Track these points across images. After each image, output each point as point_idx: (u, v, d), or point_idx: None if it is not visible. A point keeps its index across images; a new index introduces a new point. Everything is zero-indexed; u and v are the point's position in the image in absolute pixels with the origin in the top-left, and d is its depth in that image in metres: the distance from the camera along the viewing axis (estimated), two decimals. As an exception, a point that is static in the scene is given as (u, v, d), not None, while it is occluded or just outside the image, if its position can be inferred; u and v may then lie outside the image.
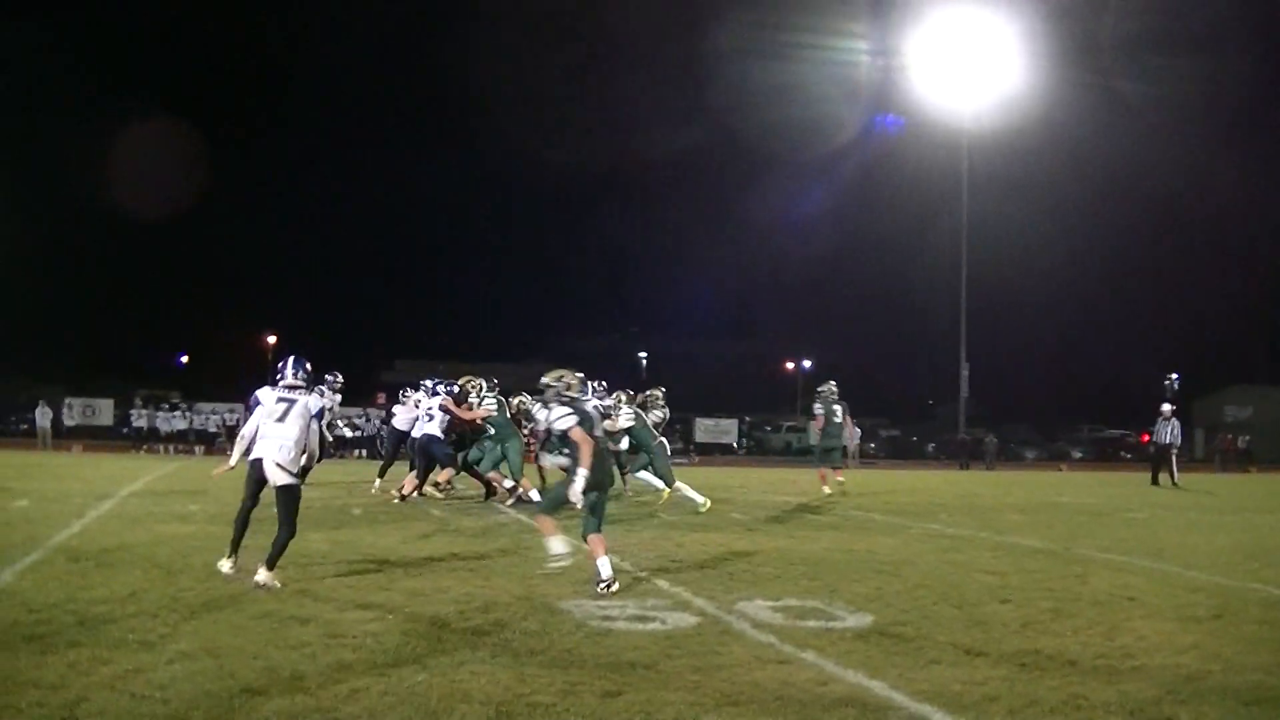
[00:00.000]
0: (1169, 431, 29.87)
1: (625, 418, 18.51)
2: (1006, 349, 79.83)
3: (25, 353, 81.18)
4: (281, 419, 10.29)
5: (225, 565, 10.05)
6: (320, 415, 11.51)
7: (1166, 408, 30.20)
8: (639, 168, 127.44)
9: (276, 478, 10.08)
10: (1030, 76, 54.54)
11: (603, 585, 9.42)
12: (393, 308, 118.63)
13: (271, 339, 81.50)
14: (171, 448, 47.10)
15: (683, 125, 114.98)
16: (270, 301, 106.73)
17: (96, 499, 17.21)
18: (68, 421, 53.66)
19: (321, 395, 18.74)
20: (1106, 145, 75.51)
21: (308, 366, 11.16)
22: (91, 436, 51.54)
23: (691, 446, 62.50)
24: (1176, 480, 29.15)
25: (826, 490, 21.83)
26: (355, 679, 6.04)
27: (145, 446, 47.09)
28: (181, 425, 49.45)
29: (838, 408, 22.45)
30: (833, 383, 22.76)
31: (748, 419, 72.04)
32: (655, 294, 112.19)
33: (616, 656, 6.78)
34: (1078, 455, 69.01)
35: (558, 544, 10.04)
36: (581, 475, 9.72)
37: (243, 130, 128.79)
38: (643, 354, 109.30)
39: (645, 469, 18.88)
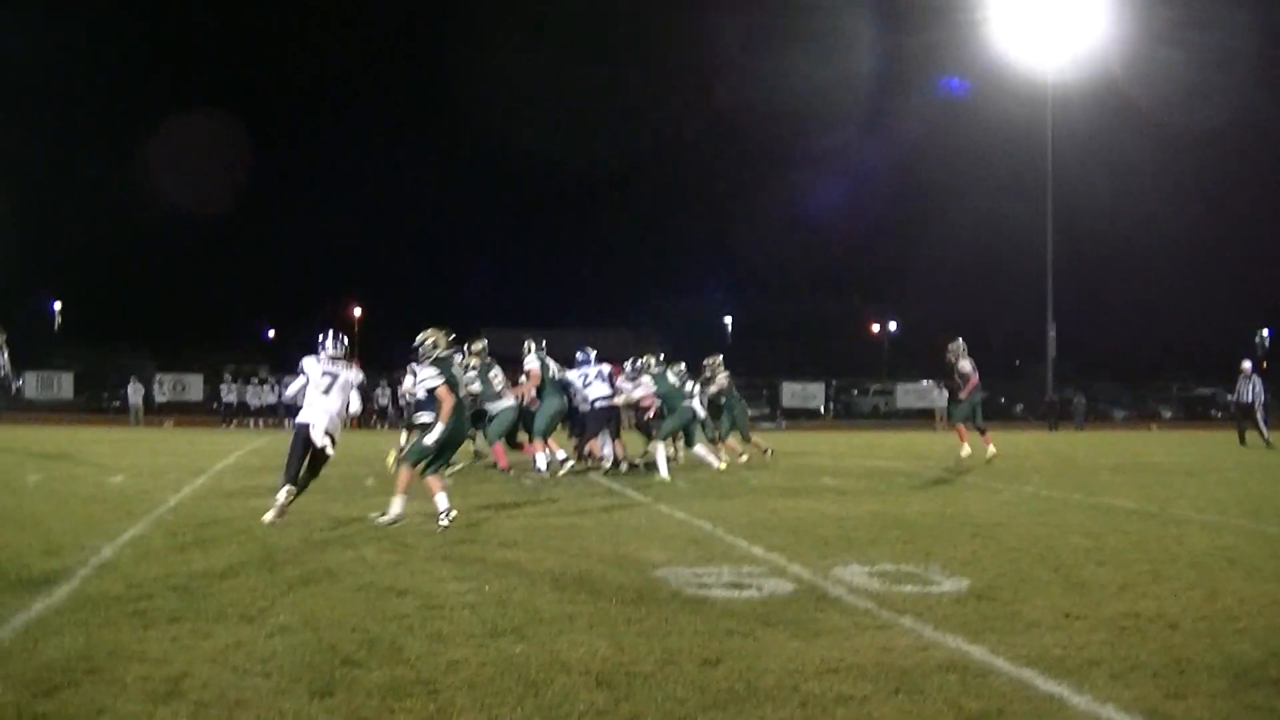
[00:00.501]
0: (1250, 389, 29.36)
1: (643, 387, 18.39)
2: (1094, 308, 79.05)
3: (116, 330, 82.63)
4: (327, 391, 11.32)
5: (269, 515, 11.35)
6: (361, 387, 12.50)
7: (1246, 365, 29.60)
8: (721, 131, 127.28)
9: (323, 443, 11.70)
10: (1113, 29, 53.64)
11: (442, 516, 11.05)
12: (479, 276, 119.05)
13: (357, 311, 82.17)
14: (261, 421, 47.67)
15: (766, 87, 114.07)
16: (355, 272, 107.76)
17: (190, 474, 17.52)
18: (159, 397, 54.58)
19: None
20: (1193, 98, 73.85)
21: (345, 340, 12.66)
22: (182, 412, 52.35)
23: (779, 411, 62.38)
24: (1268, 439, 28.55)
25: (968, 452, 21.17)
26: (454, 650, 6.08)
27: (235, 420, 47.79)
28: (271, 399, 49.85)
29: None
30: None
31: (834, 382, 71.73)
32: (740, 258, 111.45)
33: (714, 624, 6.78)
34: (1167, 414, 68.20)
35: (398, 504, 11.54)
36: (439, 428, 11.48)
37: (327, 105, 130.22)
38: (727, 318, 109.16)
39: (700, 442, 18.99)
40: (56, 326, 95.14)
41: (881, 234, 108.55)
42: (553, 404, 18.27)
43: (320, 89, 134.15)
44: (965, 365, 20.95)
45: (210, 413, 52.47)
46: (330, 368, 11.99)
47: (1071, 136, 59.94)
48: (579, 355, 18.81)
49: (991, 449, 20.74)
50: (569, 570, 8.71)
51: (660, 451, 17.71)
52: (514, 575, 8.46)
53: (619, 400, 18.60)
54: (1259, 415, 29.26)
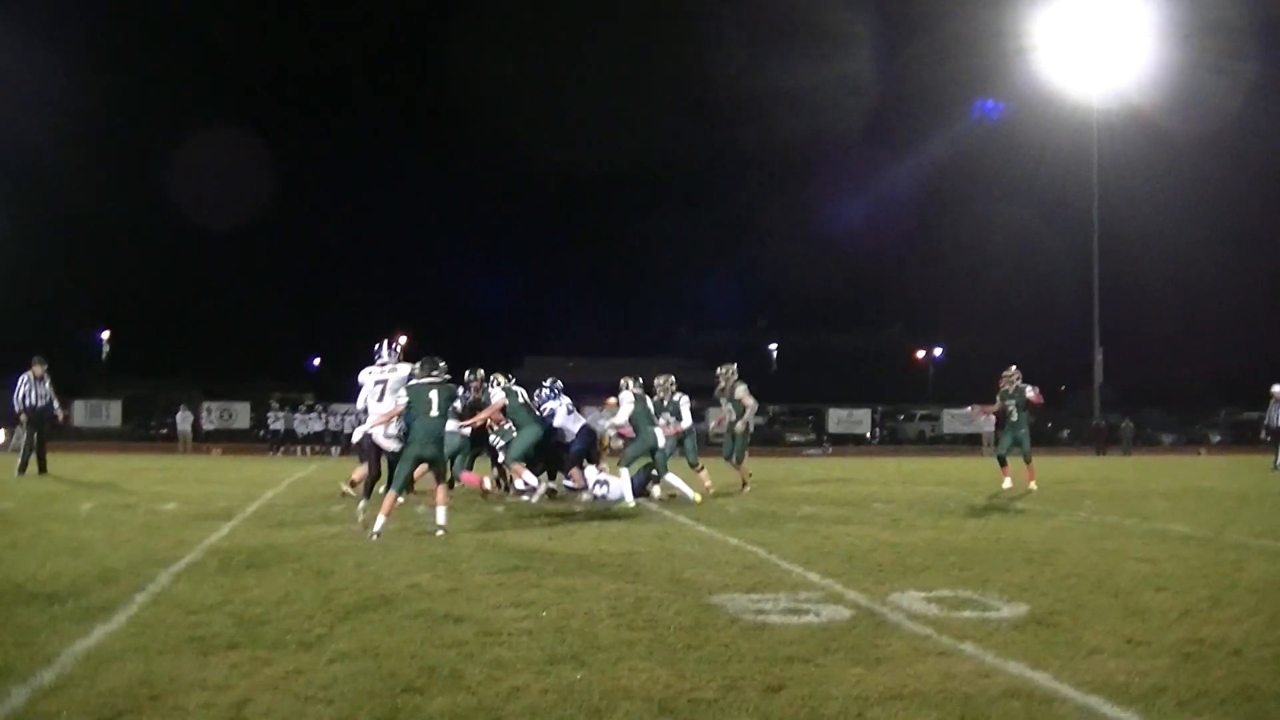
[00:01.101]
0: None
1: (622, 412, 17.95)
2: (1140, 333, 78.41)
3: (163, 359, 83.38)
4: (380, 399, 11.97)
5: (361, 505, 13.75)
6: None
7: (1277, 389, 29.28)
8: (767, 159, 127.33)
9: (388, 445, 13.29)
10: (1159, 55, 53.48)
11: (374, 535, 12.17)
12: (523, 305, 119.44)
13: (403, 339, 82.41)
14: (308, 449, 47.93)
15: (811, 114, 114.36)
16: (402, 301, 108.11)
17: (241, 502, 17.59)
18: (206, 425, 55.07)
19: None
20: (1237, 126, 73.38)
21: (397, 347, 14.30)
22: (229, 439, 52.76)
23: (825, 437, 62.30)
24: None
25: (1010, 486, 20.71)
26: (514, 677, 6.06)
27: (282, 448, 48.04)
28: (317, 426, 50.15)
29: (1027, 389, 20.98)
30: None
31: (880, 408, 71.57)
32: (784, 286, 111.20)
33: (774, 651, 6.74)
34: (1216, 439, 67.59)
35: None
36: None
37: (370, 131, 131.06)
38: (773, 346, 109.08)
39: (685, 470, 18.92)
40: (104, 355, 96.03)
41: (925, 260, 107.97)
42: (530, 432, 18.03)
43: (362, 116, 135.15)
44: (1030, 392, 20.76)
45: (257, 440, 52.78)
46: (382, 375, 12.82)
47: (1116, 162, 59.63)
48: (545, 391, 18.68)
49: (1007, 481, 20.78)
50: (625, 596, 8.68)
51: (675, 481, 17.80)
52: (570, 602, 8.44)
53: (606, 432, 18.54)
54: None
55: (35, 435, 23.74)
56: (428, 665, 6.30)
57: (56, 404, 24.29)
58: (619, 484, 17.30)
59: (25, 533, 12.75)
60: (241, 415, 61.20)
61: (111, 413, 65.59)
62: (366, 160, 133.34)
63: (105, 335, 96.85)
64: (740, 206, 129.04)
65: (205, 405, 57.91)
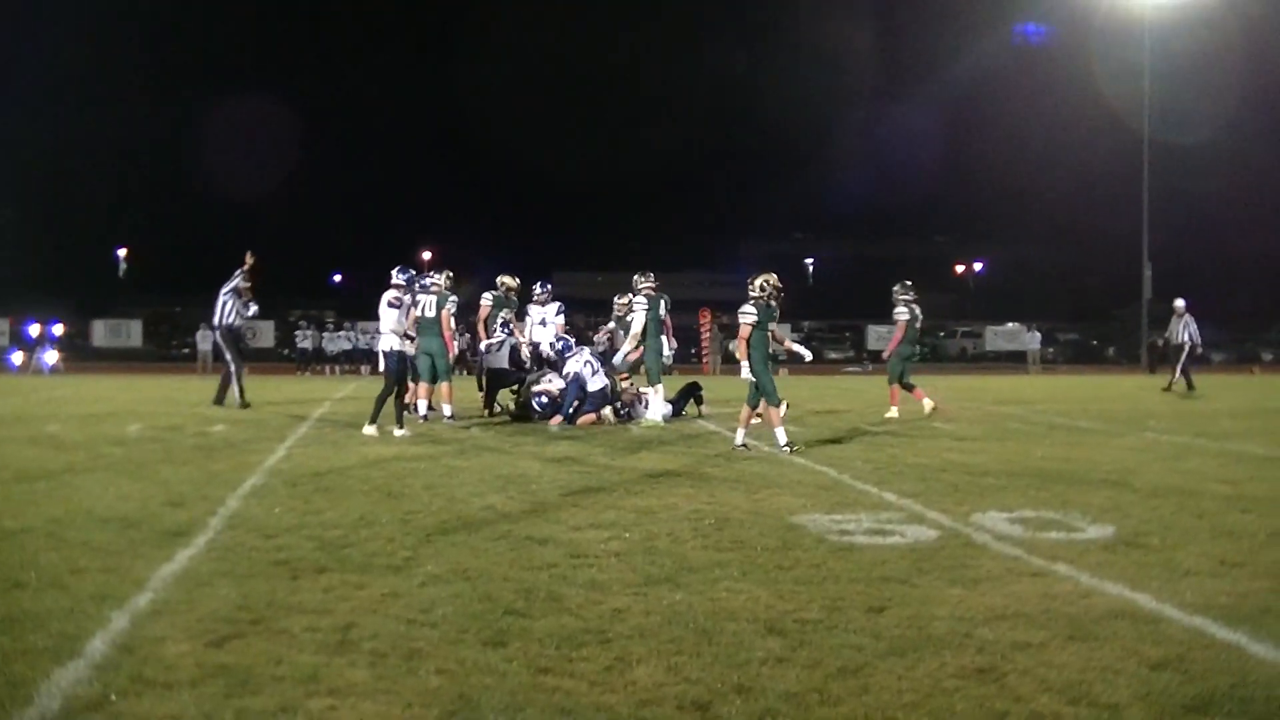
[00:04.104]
0: (1181, 330, 28.10)
1: (636, 321, 17.49)
2: (1190, 248, 77.35)
3: (183, 277, 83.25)
4: (403, 318, 15.23)
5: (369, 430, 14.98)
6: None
7: (1179, 304, 28.28)
8: (805, 69, 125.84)
9: (403, 347, 15.26)
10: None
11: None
12: (551, 219, 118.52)
13: (427, 254, 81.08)
14: (338, 369, 47.71)
15: (853, 25, 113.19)
16: (425, 216, 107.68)
17: (291, 422, 17.73)
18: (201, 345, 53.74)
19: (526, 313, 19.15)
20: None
21: (411, 272, 15.86)
22: (254, 359, 52.70)
23: (865, 355, 62.05)
24: (1177, 381, 27.76)
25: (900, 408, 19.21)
26: (613, 599, 6.01)
27: (311, 368, 47.59)
28: (346, 346, 49.79)
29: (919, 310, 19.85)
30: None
31: (920, 325, 71.17)
32: (821, 198, 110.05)
33: (868, 572, 6.67)
34: (1268, 357, 66.98)
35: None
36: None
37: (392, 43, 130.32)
38: (809, 259, 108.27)
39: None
40: (122, 273, 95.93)
41: (967, 174, 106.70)
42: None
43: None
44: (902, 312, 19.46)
45: (282, 359, 52.47)
46: (394, 295, 15.18)
47: (1170, 69, 58.55)
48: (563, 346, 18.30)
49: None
50: (705, 517, 8.64)
51: (659, 395, 17.48)
52: (651, 523, 8.39)
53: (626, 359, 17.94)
54: (1183, 358, 28.10)
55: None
56: (524, 588, 6.25)
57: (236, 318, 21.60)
58: (657, 401, 17.30)
59: (80, 455, 12.84)
60: (266, 334, 60.61)
61: (132, 332, 65.59)
62: (380, 73, 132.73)
63: (122, 253, 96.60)
64: (779, 119, 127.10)
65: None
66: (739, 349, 13.51)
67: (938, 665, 4.90)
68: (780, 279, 13.83)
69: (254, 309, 21.85)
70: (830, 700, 4.45)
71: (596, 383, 17.13)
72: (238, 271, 21.22)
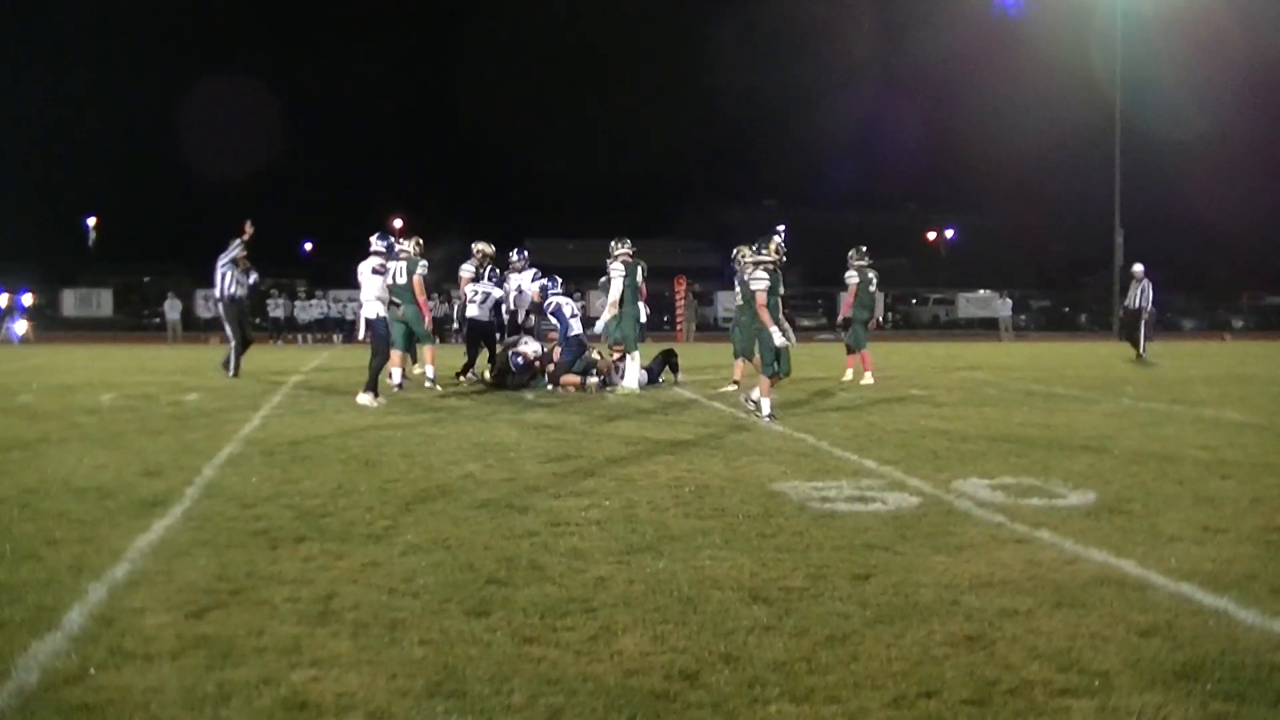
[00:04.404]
0: (1139, 295, 27.91)
1: (614, 289, 17.26)
2: (1161, 215, 77.49)
3: (152, 246, 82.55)
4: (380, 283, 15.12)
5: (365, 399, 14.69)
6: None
7: (1138, 268, 28.07)
8: (776, 36, 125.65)
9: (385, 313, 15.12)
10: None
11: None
12: (521, 186, 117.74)
13: (398, 222, 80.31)
14: (310, 337, 47.54)
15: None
16: (394, 184, 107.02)
17: (266, 390, 17.65)
18: (203, 314, 53.20)
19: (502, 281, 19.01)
20: (1269, 4, 72.03)
21: (390, 239, 15.88)
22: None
23: (837, 322, 62.13)
24: (1143, 352, 27.46)
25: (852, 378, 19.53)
26: (596, 568, 5.97)
27: (283, 336, 47.14)
28: (317, 314, 49.57)
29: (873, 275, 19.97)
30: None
31: (892, 291, 71.18)
32: (793, 165, 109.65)
33: (850, 539, 6.64)
34: (1238, 324, 67.29)
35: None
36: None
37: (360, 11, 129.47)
38: (780, 226, 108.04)
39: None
40: (91, 243, 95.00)
41: (939, 141, 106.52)
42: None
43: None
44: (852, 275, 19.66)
45: (255, 329, 52.04)
46: (378, 262, 15.26)
47: (1143, 35, 58.49)
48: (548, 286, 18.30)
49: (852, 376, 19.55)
50: (685, 485, 8.60)
51: (635, 361, 17.33)
52: (631, 491, 8.35)
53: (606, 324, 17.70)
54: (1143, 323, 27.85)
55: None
56: (505, 557, 6.20)
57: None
58: (633, 369, 17.21)
59: (54, 425, 12.74)
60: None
61: (102, 302, 64.93)
62: (353, 42, 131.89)
63: (92, 222, 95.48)
64: (750, 86, 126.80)
65: (200, 294, 55.27)
66: (761, 316, 13.24)
67: (925, 633, 4.87)
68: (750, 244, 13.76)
69: (254, 277, 21.77)
70: (819, 669, 4.42)
71: (575, 325, 17.13)
72: (236, 241, 20.89)
